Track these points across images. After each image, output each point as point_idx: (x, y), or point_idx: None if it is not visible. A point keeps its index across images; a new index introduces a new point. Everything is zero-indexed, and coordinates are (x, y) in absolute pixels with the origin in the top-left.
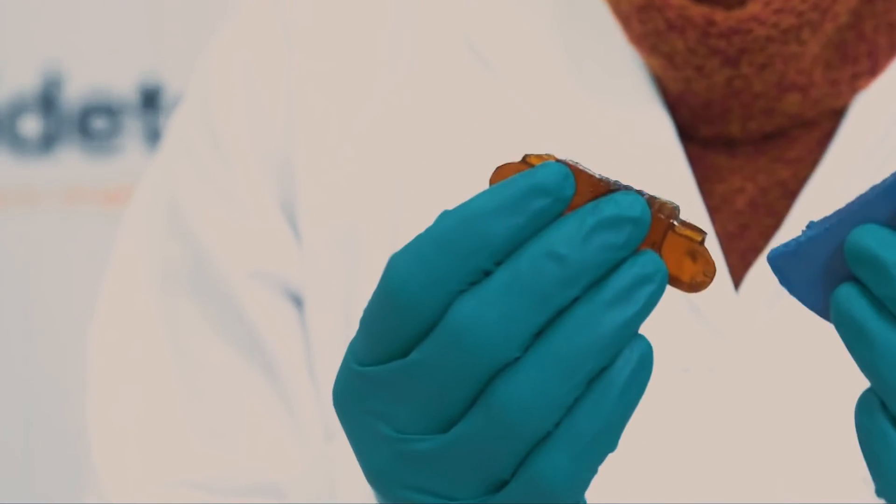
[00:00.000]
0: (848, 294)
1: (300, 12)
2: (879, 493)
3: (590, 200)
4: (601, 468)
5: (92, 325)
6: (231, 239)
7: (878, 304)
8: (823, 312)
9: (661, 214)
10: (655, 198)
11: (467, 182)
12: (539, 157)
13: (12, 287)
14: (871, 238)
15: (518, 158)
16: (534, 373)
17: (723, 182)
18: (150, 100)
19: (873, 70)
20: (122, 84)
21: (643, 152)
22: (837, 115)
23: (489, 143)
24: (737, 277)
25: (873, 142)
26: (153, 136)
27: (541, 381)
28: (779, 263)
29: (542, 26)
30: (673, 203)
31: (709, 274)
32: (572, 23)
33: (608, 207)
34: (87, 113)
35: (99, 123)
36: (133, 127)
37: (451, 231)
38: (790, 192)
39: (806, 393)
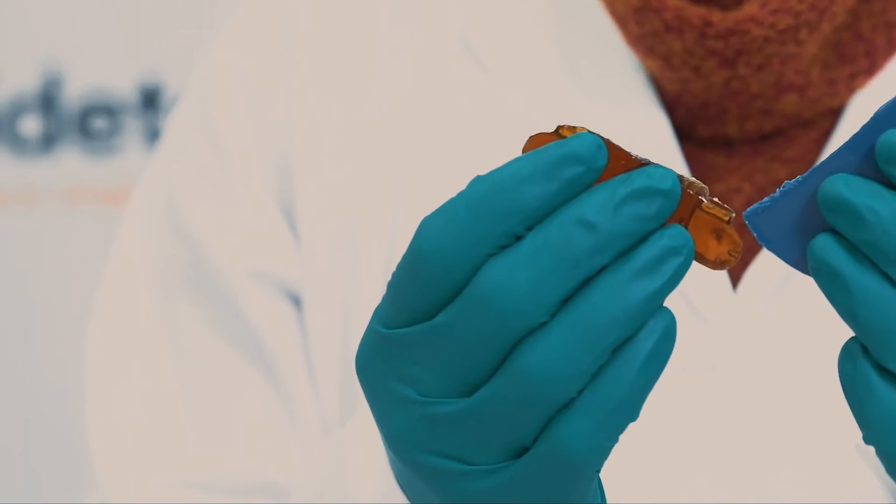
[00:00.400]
0: (823, 243)
1: (299, 13)
2: (867, 440)
3: (621, 174)
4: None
5: (90, 326)
6: (229, 239)
7: (853, 250)
8: (801, 265)
9: (690, 191)
10: (684, 177)
11: (464, 181)
12: (572, 128)
13: (12, 287)
14: (842, 185)
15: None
16: (560, 339)
17: (720, 182)
18: (150, 100)
19: (871, 69)
20: (122, 84)
21: (641, 153)
22: (835, 114)
23: (486, 144)
24: (735, 277)
25: None
26: (153, 136)
27: (567, 348)
28: (755, 221)
29: (539, 28)
30: (701, 183)
31: (734, 253)
32: (569, 24)
33: (640, 179)
34: (87, 113)
35: (99, 123)
36: (133, 127)
37: (483, 195)
38: None
39: (804, 391)
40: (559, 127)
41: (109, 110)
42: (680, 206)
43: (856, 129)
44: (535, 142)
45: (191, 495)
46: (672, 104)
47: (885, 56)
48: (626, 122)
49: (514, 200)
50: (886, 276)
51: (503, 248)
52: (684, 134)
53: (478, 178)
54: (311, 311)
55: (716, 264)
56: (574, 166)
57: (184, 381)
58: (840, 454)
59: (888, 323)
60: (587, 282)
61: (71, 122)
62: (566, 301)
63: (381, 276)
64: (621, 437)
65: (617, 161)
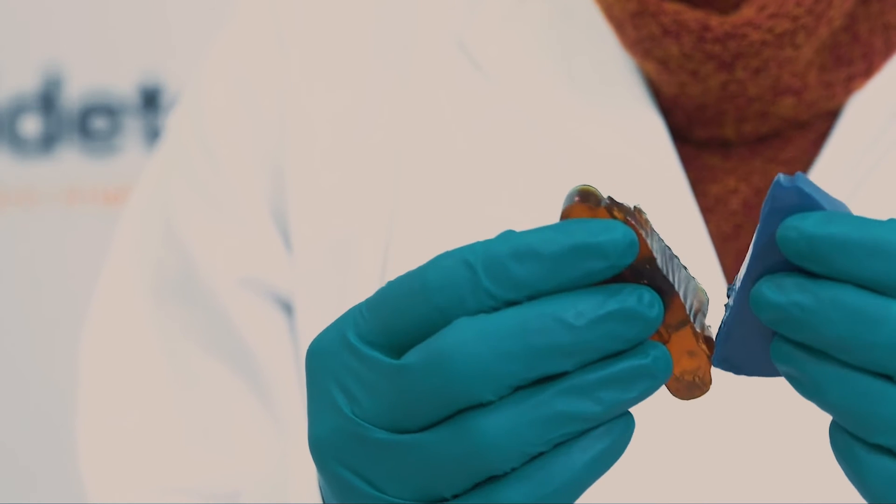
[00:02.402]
0: (777, 350)
1: (295, 18)
2: None
3: (619, 282)
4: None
5: (85, 331)
6: (219, 245)
7: (804, 347)
8: (777, 372)
9: (687, 301)
10: (696, 284)
11: (461, 187)
12: (619, 207)
13: (12, 287)
14: (766, 289)
15: (592, 184)
16: (514, 415)
17: (717, 183)
18: (150, 100)
19: (868, 71)
20: (122, 84)
21: (637, 154)
22: (832, 115)
23: (483, 147)
24: (731, 279)
25: (867, 142)
26: (153, 136)
27: (518, 426)
28: (723, 359)
29: (536, 30)
30: (706, 296)
31: (700, 385)
32: (565, 26)
33: (630, 299)
34: (87, 113)
35: (99, 123)
36: (133, 127)
37: (502, 255)
38: None
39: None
40: (611, 203)
41: (109, 110)
42: (674, 313)
43: (852, 130)
44: (577, 210)
45: (172, 500)
46: (669, 106)
47: (883, 58)
48: (621, 124)
49: (528, 273)
50: (843, 362)
51: (494, 309)
52: (681, 135)
53: (508, 234)
54: (302, 318)
55: (679, 385)
56: (598, 261)
57: (172, 388)
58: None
59: (859, 404)
60: (550, 378)
61: (71, 122)
62: (521, 388)
63: (375, 284)
64: None
65: (641, 255)
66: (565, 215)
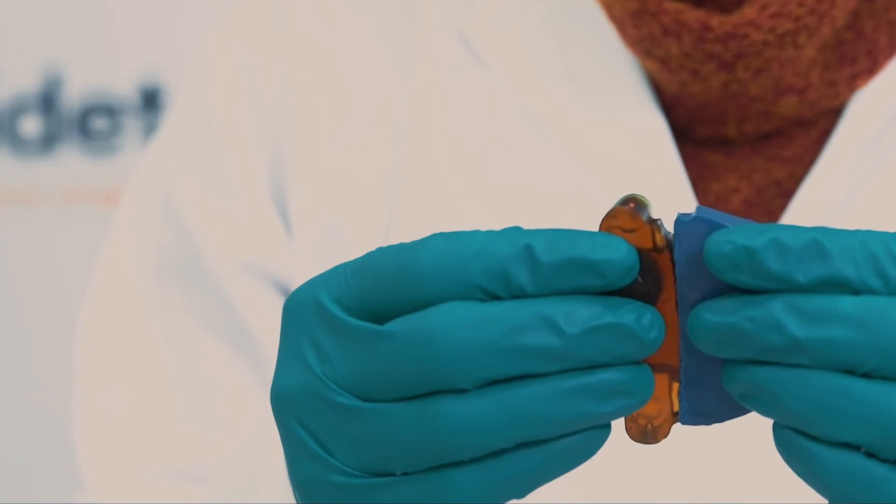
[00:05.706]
0: (729, 373)
1: (297, 4)
2: None
3: (620, 296)
4: (596, 468)
5: (83, 310)
6: (220, 229)
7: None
8: (742, 409)
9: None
10: None
11: (460, 178)
12: (663, 233)
13: (12, 287)
14: (708, 314)
15: (646, 195)
16: (485, 409)
17: (718, 181)
18: (150, 100)
19: (872, 69)
20: (122, 84)
21: (637, 151)
22: (836, 113)
23: (482, 140)
24: None
25: (870, 139)
26: (153, 136)
27: (486, 420)
28: (689, 413)
29: (538, 25)
30: None
31: (651, 435)
32: (567, 22)
33: (629, 316)
34: (87, 113)
35: (99, 123)
36: (133, 127)
37: (501, 256)
38: (786, 191)
39: None
40: (652, 222)
41: (109, 110)
42: (665, 351)
43: (855, 128)
44: (623, 216)
45: (172, 484)
46: (670, 104)
47: (888, 55)
48: (622, 121)
49: (523, 278)
50: (799, 366)
51: (486, 298)
52: (682, 133)
53: (513, 232)
54: None
55: (633, 425)
56: (594, 279)
57: (171, 369)
58: None
59: (821, 404)
60: (529, 376)
61: (71, 122)
62: (497, 382)
63: None
64: (613, 437)
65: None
66: (609, 216)
